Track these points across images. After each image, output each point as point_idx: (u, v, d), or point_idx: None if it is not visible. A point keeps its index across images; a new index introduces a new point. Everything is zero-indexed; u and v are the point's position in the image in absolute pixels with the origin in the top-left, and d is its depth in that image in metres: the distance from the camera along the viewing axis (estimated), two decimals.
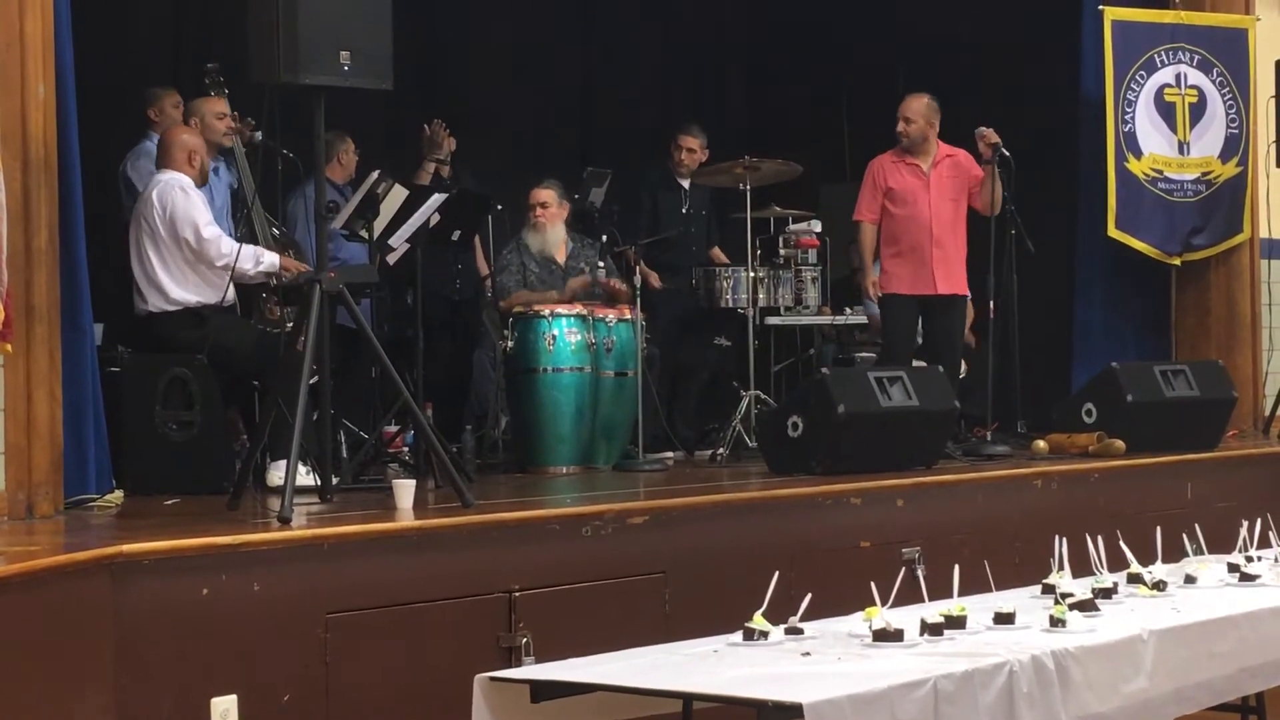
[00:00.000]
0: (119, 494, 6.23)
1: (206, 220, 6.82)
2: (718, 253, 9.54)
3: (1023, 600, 4.77)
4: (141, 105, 7.73)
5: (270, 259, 6.93)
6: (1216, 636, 4.67)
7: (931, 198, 8.43)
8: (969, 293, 8.67)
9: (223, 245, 6.79)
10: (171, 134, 7.08)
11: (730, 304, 8.75)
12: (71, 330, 6.01)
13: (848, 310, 9.57)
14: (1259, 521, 5.59)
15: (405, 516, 5.64)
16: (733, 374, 8.89)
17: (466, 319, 9.01)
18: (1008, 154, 8.31)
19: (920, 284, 8.41)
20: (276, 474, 6.29)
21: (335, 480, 6.21)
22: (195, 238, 6.76)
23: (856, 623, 4.34)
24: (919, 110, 8.49)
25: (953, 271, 8.45)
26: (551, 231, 8.52)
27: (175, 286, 6.81)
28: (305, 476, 6.17)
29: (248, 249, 6.81)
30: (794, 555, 6.05)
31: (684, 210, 9.30)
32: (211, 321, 6.80)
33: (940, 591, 4.56)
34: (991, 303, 8.50)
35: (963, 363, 9.20)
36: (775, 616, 4.31)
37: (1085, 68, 9.82)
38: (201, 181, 7.02)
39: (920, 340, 8.71)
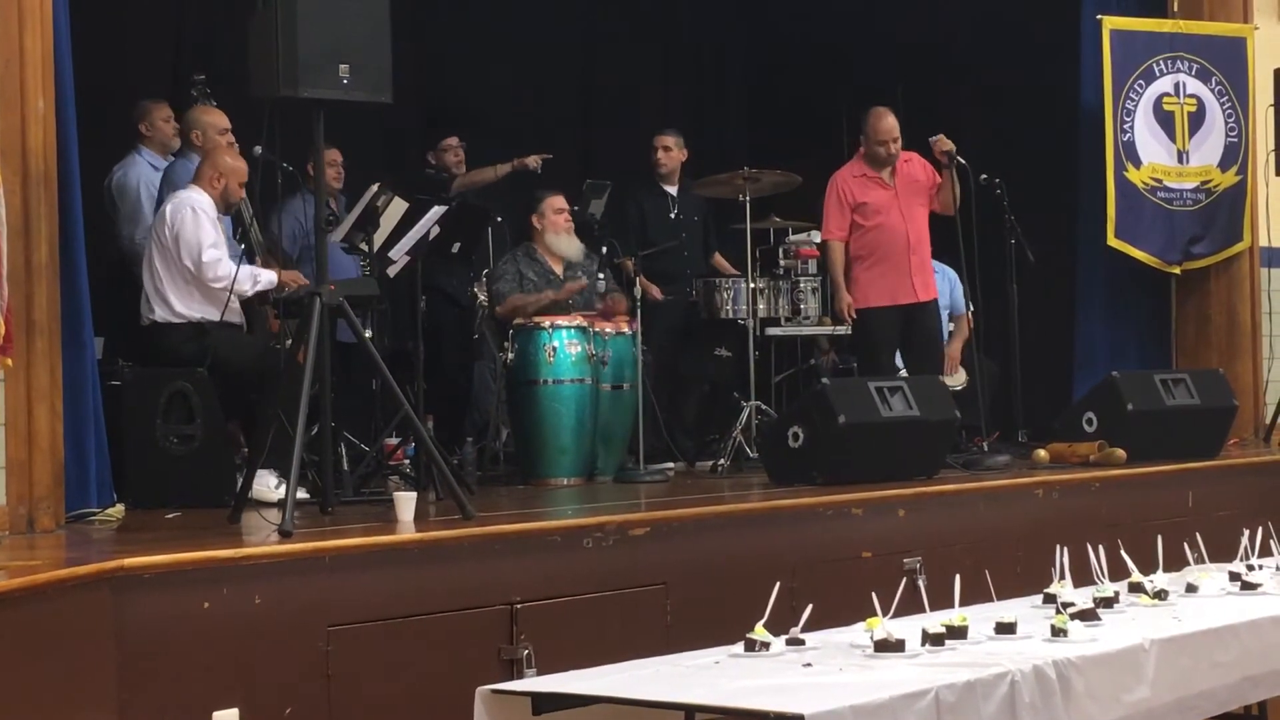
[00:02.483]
0: (120, 508, 6.23)
1: (210, 243, 6.83)
2: (721, 261, 9.51)
3: (1024, 610, 4.77)
4: (133, 118, 7.72)
5: (268, 277, 6.95)
6: (1218, 645, 4.66)
7: (902, 206, 8.46)
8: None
9: (220, 269, 6.80)
10: (212, 153, 7.09)
11: (730, 315, 8.75)
12: (72, 344, 6.01)
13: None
14: (1260, 530, 5.58)
15: (406, 529, 5.64)
16: (733, 385, 8.88)
17: (468, 330, 9.01)
18: (963, 161, 8.34)
19: (900, 294, 8.42)
20: (261, 485, 6.27)
21: (336, 493, 6.21)
22: (195, 262, 6.78)
23: (858, 633, 4.34)
24: (893, 127, 8.50)
25: (928, 277, 8.49)
26: (574, 237, 8.53)
27: (180, 301, 6.84)
28: (276, 490, 6.18)
29: (244, 270, 6.82)
30: (795, 566, 6.05)
31: (672, 216, 9.26)
32: (213, 335, 6.81)
33: (941, 601, 4.56)
34: (969, 313, 8.53)
35: (963, 372, 9.21)
36: (776, 627, 4.31)
37: (1084, 77, 9.83)
38: (224, 210, 7.01)
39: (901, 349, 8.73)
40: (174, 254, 6.82)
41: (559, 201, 8.52)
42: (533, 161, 9.22)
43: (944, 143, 8.40)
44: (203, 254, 6.78)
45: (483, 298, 8.56)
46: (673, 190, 9.28)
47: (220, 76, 7.65)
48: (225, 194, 6.98)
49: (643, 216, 9.18)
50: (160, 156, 7.67)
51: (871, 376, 7.93)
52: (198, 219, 6.82)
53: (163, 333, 6.86)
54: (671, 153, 9.25)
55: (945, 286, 9.20)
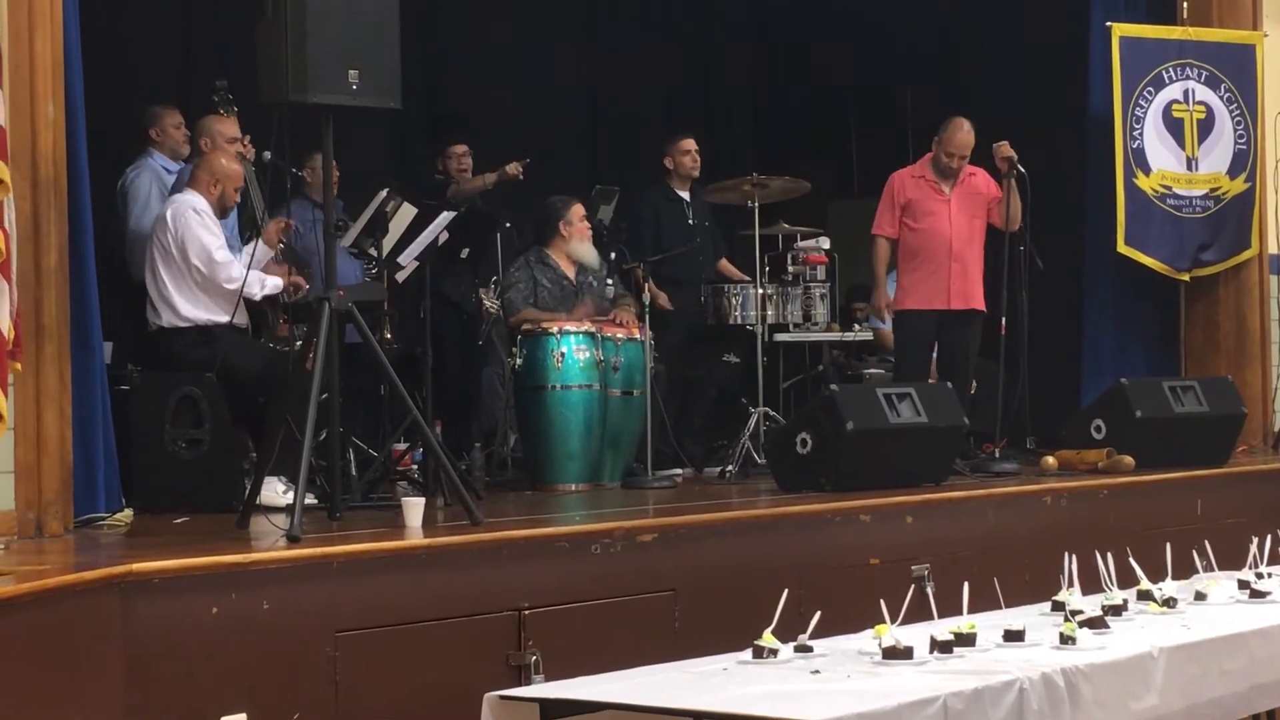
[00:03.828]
0: (128, 512, 6.24)
1: (218, 245, 6.84)
2: (728, 265, 9.50)
3: (1032, 617, 4.76)
4: (144, 124, 7.73)
5: (273, 282, 6.97)
6: (1227, 654, 4.66)
7: (952, 213, 8.40)
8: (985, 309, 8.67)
9: (233, 270, 6.82)
10: (208, 157, 7.10)
11: (739, 321, 8.75)
12: (81, 349, 6.02)
13: (856, 327, 9.56)
14: (1269, 537, 5.58)
15: (414, 534, 5.64)
16: (741, 391, 8.88)
17: (472, 335, 9.01)
18: (1023, 170, 8.30)
19: (936, 299, 8.37)
20: (269, 491, 6.27)
21: (344, 498, 6.21)
22: (206, 262, 6.79)
23: (866, 640, 4.33)
24: (968, 144, 8.38)
25: (969, 287, 8.42)
26: (591, 244, 8.52)
27: (186, 304, 6.83)
28: (284, 495, 6.17)
29: (253, 274, 6.83)
30: (803, 572, 6.04)
31: (689, 222, 9.25)
32: (221, 340, 6.82)
33: (950, 609, 4.56)
34: (1002, 320, 8.51)
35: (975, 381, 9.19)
36: (784, 634, 4.31)
37: (1093, 84, 9.83)
38: (221, 215, 7.01)
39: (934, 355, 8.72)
40: (179, 258, 6.82)
41: (582, 209, 8.49)
42: (513, 169, 9.15)
43: (1006, 149, 8.31)
44: (214, 255, 6.79)
45: (489, 304, 8.55)
46: (686, 195, 9.27)
47: (230, 82, 7.65)
48: (221, 199, 6.98)
49: (658, 222, 9.15)
50: (171, 160, 7.68)
51: (880, 383, 7.92)
52: (202, 221, 6.83)
53: (170, 338, 6.86)
54: (697, 155, 9.23)
55: None
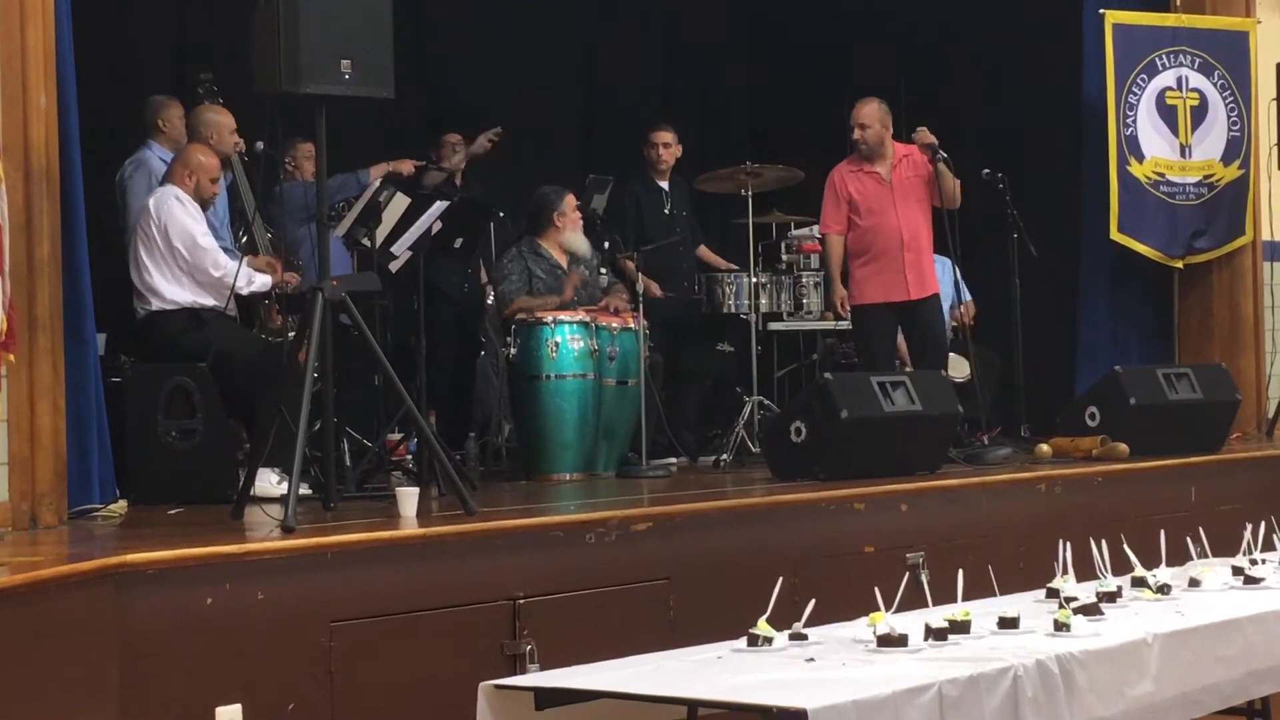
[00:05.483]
0: (122, 504, 6.23)
1: (201, 231, 6.84)
2: (705, 251, 9.52)
3: (1027, 605, 4.77)
4: (146, 114, 7.71)
5: (262, 280, 6.97)
6: (1221, 640, 4.66)
7: (897, 203, 8.37)
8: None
9: (219, 257, 6.82)
10: (185, 151, 7.09)
11: (733, 310, 8.75)
12: (74, 340, 6.02)
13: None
14: (1263, 524, 5.59)
15: (409, 525, 5.64)
16: (735, 380, 8.89)
17: (470, 326, 9.01)
18: (945, 154, 8.29)
19: (893, 291, 8.34)
20: (262, 482, 6.26)
21: (339, 488, 6.21)
22: (189, 249, 6.79)
23: (861, 628, 4.34)
24: (873, 115, 8.40)
25: (924, 273, 8.40)
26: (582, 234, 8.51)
27: (172, 287, 6.82)
28: (278, 486, 6.17)
29: (242, 269, 6.82)
30: (798, 561, 6.05)
31: (667, 211, 9.27)
32: (211, 326, 6.81)
33: (944, 596, 4.56)
34: (961, 307, 8.53)
35: (965, 365, 9.20)
36: (779, 622, 4.31)
37: (1086, 71, 9.83)
38: (203, 205, 7.00)
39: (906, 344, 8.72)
40: (162, 244, 6.81)
41: (575, 199, 8.51)
42: (479, 147, 9.09)
43: (924, 136, 8.33)
44: (198, 241, 6.79)
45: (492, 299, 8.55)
46: (665, 185, 9.29)
47: (222, 72, 7.64)
48: (199, 189, 6.97)
49: (639, 211, 9.18)
50: (171, 152, 7.67)
51: (873, 371, 7.93)
52: (185, 208, 6.84)
53: (159, 324, 6.84)
54: (670, 148, 9.27)
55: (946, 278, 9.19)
